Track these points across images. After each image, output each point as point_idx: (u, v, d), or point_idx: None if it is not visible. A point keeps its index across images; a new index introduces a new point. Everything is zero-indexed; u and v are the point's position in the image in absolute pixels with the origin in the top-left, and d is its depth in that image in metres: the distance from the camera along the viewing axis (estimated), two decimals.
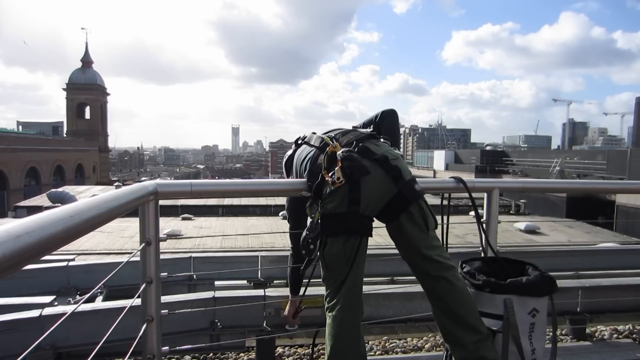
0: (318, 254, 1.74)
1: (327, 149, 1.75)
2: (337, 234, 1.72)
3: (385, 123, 2.09)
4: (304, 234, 1.75)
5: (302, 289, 2.18)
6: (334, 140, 1.79)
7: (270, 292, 2.72)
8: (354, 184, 1.66)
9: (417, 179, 1.94)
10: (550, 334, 1.75)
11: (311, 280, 2.06)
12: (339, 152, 1.70)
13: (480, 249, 2.13)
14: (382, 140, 1.89)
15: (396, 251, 1.89)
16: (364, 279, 1.91)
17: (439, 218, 2.21)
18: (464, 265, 1.76)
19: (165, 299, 2.24)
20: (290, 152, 2.17)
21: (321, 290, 2.51)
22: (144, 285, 1.63)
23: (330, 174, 1.69)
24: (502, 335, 1.54)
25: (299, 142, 2.10)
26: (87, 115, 49.47)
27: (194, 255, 3.66)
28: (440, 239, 2.21)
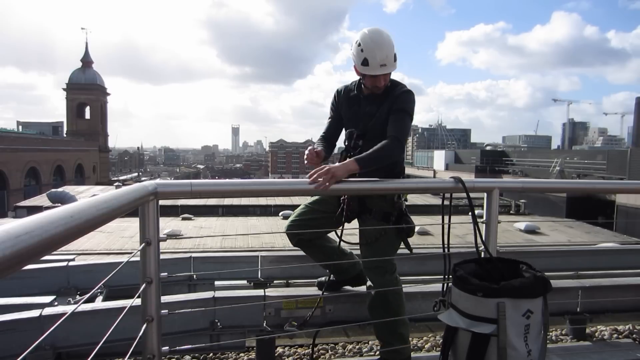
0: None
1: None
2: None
3: None
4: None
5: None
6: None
7: (270, 292, 2.72)
8: None
9: (417, 178, 1.96)
10: (549, 334, 1.74)
11: (310, 281, 2.06)
12: None
13: (478, 249, 2.13)
14: None
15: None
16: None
17: (439, 218, 2.23)
18: (457, 269, 1.71)
19: (165, 299, 2.23)
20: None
21: (319, 291, 2.53)
22: (144, 285, 1.63)
23: None
24: (497, 339, 1.54)
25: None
26: (87, 115, 49.43)
27: (194, 255, 3.65)
28: (441, 238, 2.23)
